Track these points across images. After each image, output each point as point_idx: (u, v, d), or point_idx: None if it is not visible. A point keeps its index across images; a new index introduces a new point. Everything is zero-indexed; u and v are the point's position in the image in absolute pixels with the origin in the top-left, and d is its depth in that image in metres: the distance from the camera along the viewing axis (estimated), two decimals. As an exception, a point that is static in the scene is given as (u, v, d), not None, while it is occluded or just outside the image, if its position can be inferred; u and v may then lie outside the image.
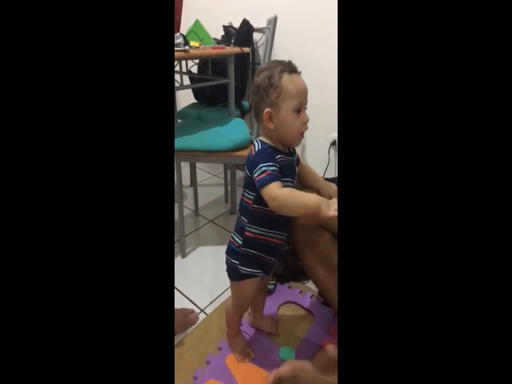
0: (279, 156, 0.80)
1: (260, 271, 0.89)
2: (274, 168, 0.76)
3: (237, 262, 0.87)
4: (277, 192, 0.73)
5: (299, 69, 0.80)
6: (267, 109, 0.79)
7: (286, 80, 0.77)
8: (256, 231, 0.84)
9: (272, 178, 0.74)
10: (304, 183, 0.95)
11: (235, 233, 0.89)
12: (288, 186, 0.81)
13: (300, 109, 0.78)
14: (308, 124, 0.80)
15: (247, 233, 0.85)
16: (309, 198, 0.73)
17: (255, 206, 0.82)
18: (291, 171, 0.83)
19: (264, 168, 0.75)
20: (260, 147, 0.80)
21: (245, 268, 0.87)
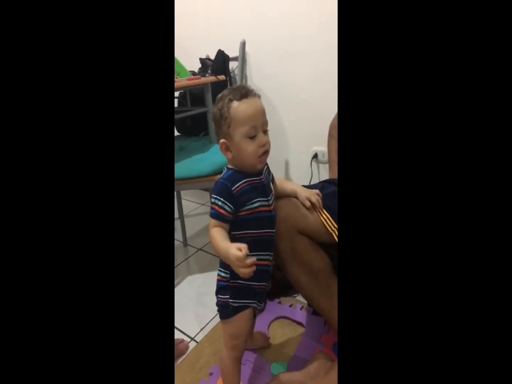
0: (243, 181, 0.78)
1: (253, 301, 0.84)
2: (221, 205, 0.76)
3: (227, 297, 0.82)
4: (210, 231, 0.76)
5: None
6: (221, 140, 0.80)
7: (235, 108, 0.76)
8: None
9: (213, 215, 0.77)
10: (283, 195, 0.95)
11: (220, 269, 0.84)
12: (263, 205, 0.80)
13: (254, 134, 0.77)
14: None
15: None
16: (221, 249, 0.73)
17: (233, 232, 0.79)
18: (261, 191, 0.81)
19: (214, 201, 0.77)
20: (222, 175, 0.80)
21: (236, 301, 0.82)
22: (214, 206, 0.76)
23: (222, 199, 0.76)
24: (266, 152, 0.79)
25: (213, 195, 0.77)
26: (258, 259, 0.79)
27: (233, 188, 0.76)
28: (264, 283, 0.85)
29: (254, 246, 0.79)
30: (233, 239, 0.78)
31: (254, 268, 0.68)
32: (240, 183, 0.78)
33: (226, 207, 0.75)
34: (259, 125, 0.77)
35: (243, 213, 0.78)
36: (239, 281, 0.82)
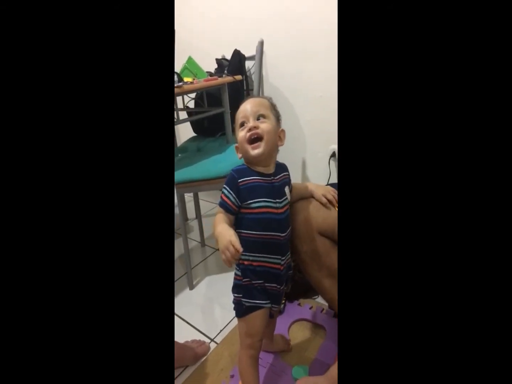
0: (250, 178, 0.81)
1: (267, 301, 0.83)
2: (227, 194, 0.80)
3: (240, 295, 0.82)
4: (216, 217, 0.81)
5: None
6: (235, 145, 0.87)
7: None
8: (249, 258, 0.81)
9: (220, 203, 0.81)
10: (299, 196, 0.95)
11: (236, 266, 0.85)
12: (269, 207, 0.80)
13: (244, 123, 0.83)
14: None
15: (241, 261, 0.82)
16: (217, 228, 0.77)
17: (238, 230, 0.80)
18: (270, 192, 0.81)
19: (222, 190, 0.82)
20: (234, 167, 0.84)
21: (249, 300, 0.82)
22: (222, 194, 0.81)
23: (228, 189, 0.79)
24: (257, 139, 0.80)
25: (223, 185, 0.82)
26: (265, 262, 0.82)
27: (239, 180, 0.79)
28: (276, 285, 0.84)
29: (260, 248, 0.81)
30: (239, 237, 0.78)
31: (232, 260, 0.71)
32: (248, 178, 0.80)
33: (230, 196, 0.79)
34: (249, 114, 0.82)
35: (248, 210, 0.80)
36: (251, 280, 0.82)
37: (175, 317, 1.31)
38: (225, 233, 0.73)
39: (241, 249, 0.69)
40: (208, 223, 2.00)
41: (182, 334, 1.19)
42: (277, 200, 0.82)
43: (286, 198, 0.85)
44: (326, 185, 1.02)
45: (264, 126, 0.81)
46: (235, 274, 0.85)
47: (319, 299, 1.28)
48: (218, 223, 0.77)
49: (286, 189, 0.86)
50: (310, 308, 1.25)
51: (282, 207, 0.83)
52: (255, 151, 0.80)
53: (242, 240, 0.79)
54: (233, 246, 0.69)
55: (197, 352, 1.11)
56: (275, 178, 0.84)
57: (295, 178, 0.93)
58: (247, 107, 0.83)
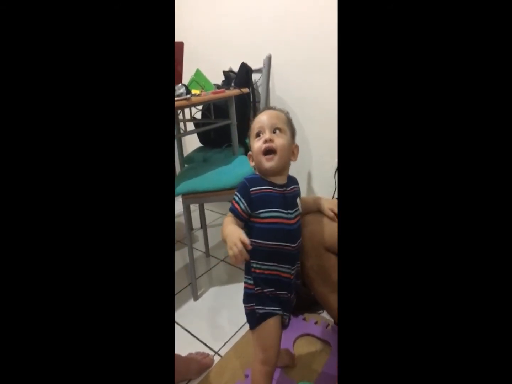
0: (262, 187, 0.83)
1: (279, 308, 0.84)
2: (238, 200, 0.82)
3: (253, 304, 0.83)
4: (224, 220, 0.83)
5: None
6: (249, 153, 0.90)
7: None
8: (261, 266, 0.82)
9: (231, 209, 0.83)
10: (307, 209, 0.95)
11: (246, 276, 0.86)
12: (282, 217, 0.82)
13: (260, 133, 0.85)
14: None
15: (253, 270, 0.83)
16: (226, 229, 0.78)
17: (250, 240, 0.79)
18: (281, 202, 0.83)
19: (234, 197, 0.84)
20: (247, 176, 0.87)
21: (262, 307, 0.82)
22: (232, 201, 0.83)
23: (239, 196, 0.82)
24: (271, 151, 0.82)
25: (235, 192, 0.84)
26: (275, 270, 0.83)
27: (251, 189, 0.82)
28: (286, 292, 0.85)
29: (271, 257, 0.82)
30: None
31: (242, 258, 0.71)
32: (260, 187, 0.82)
33: (241, 203, 0.81)
34: (265, 125, 0.85)
35: (258, 220, 0.81)
36: (263, 289, 0.83)
37: (179, 328, 1.31)
38: (234, 231, 0.75)
39: (248, 243, 0.71)
40: (213, 233, 2.01)
41: (186, 346, 1.19)
42: (289, 211, 0.84)
43: (298, 209, 0.87)
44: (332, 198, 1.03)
45: (279, 141, 0.83)
46: (246, 283, 0.86)
47: (324, 314, 1.28)
48: (227, 225, 0.79)
49: (298, 200, 0.89)
50: (315, 323, 1.24)
51: (294, 218, 0.85)
52: (268, 163, 0.83)
53: (257, 249, 0.81)
54: (242, 241, 0.70)
55: (201, 365, 1.10)
56: (287, 189, 0.86)
57: (301, 191, 0.94)
58: (264, 118, 0.86)
